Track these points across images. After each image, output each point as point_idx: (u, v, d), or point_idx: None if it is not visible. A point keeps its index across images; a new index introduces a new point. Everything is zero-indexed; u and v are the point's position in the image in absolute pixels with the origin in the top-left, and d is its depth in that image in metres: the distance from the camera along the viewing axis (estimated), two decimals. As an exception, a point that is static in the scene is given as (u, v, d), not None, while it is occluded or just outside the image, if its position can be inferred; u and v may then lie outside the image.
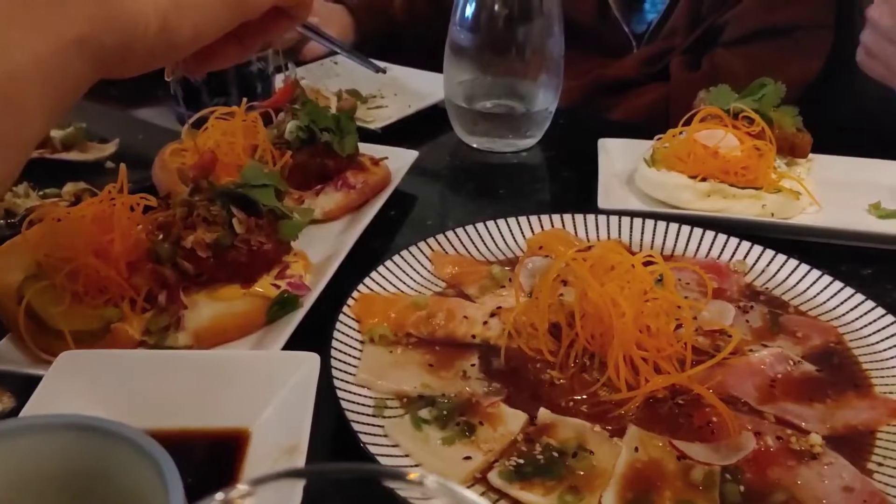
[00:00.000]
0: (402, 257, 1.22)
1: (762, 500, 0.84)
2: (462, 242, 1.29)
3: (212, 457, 0.89)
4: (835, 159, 1.64)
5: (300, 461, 0.79)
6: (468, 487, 0.85)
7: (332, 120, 1.41)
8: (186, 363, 0.95)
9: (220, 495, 0.44)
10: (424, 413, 0.93)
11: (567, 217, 1.36)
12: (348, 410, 0.91)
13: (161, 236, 1.12)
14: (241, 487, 0.45)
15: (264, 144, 1.39)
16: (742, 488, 0.85)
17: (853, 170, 1.62)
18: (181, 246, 1.10)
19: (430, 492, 0.41)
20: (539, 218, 1.35)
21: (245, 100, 1.44)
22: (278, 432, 0.87)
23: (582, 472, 0.86)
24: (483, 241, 1.30)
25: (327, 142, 1.39)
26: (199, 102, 1.70)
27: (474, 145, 1.80)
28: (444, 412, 0.93)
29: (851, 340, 1.11)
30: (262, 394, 0.91)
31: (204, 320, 1.07)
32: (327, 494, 0.49)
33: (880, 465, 0.90)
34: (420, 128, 1.86)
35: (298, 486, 0.48)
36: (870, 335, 1.10)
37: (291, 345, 1.05)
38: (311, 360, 0.92)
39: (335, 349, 1.00)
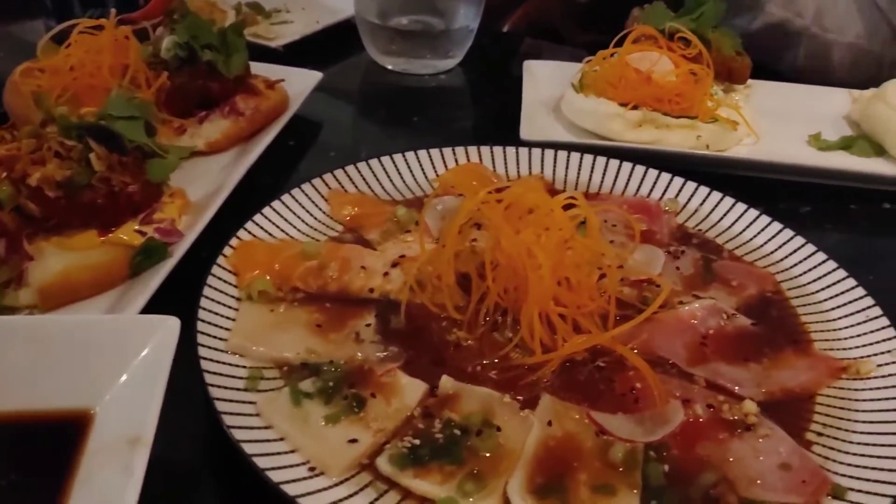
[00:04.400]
0: (294, 196, 1.06)
1: (689, 482, 0.74)
2: (365, 179, 1.14)
3: (46, 446, 0.73)
4: (775, 86, 1.53)
5: (142, 457, 0.65)
6: (352, 476, 0.72)
7: (216, 36, 1.22)
8: (20, 331, 0.79)
9: None
10: (307, 385, 0.80)
11: (485, 150, 1.22)
12: (213, 385, 0.76)
13: (3, 174, 0.95)
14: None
15: (136, 64, 1.20)
16: (666, 468, 0.75)
17: (794, 97, 1.52)
18: (26, 184, 0.93)
19: None
20: (454, 151, 1.20)
21: (114, 11, 1.24)
22: (125, 416, 0.72)
23: (487, 454, 0.75)
24: (389, 177, 1.15)
25: (210, 61, 1.21)
26: (70, 14, 1.48)
27: (389, 67, 1.63)
28: (330, 383, 0.80)
29: (790, 289, 1.01)
30: (110, 368, 0.76)
31: (52, 274, 0.91)
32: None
33: (820, 434, 0.81)
34: (329, 47, 1.68)
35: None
36: (809, 283, 1.01)
37: (158, 303, 0.89)
38: (168, 326, 0.77)
39: (204, 309, 0.85)
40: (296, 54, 1.57)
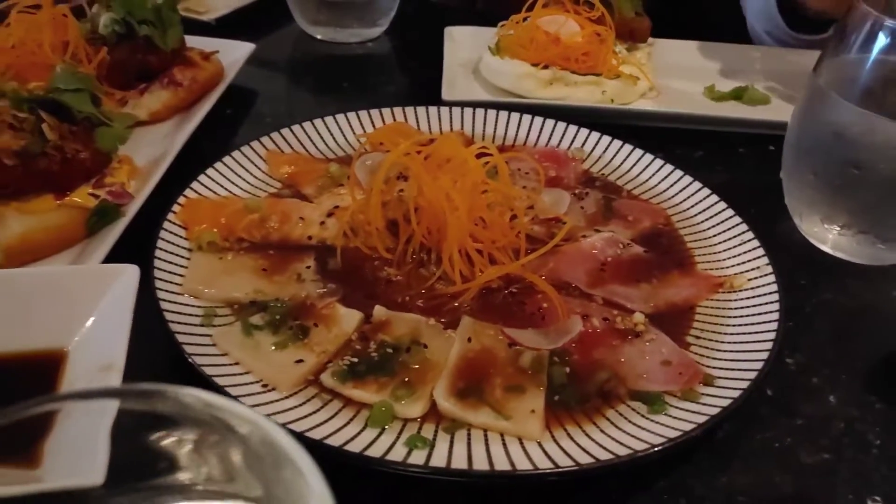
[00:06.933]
0: (234, 158, 1.16)
1: (587, 379, 0.87)
2: (299, 140, 1.24)
3: (25, 382, 0.83)
4: (673, 43, 1.67)
5: (116, 381, 0.76)
6: (300, 391, 0.84)
7: (151, 11, 1.30)
8: (-8, 284, 0.88)
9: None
10: (256, 319, 0.91)
11: (409, 110, 1.33)
12: (172, 322, 0.87)
13: (-41, 146, 1.02)
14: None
15: (76, 41, 1.27)
16: (568, 370, 0.88)
17: (691, 53, 1.66)
18: (-17, 155, 1.01)
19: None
20: (381, 112, 1.31)
21: (52, -10, 1.31)
22: (96, 351, 0.82)
23: (416, 366, 0.87)
24: (322, 137, 1.26)
25: (147, 35, 1.28)
26: (4, -5, 1.53)
27: (318, 37, 1.72)
28: (277, 317, 0.91)
29: (679, 221, 1.15)
30: (78, 311, 0.86)
31: (14, 236, 0.99)
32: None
33: (697, 337, 0.95)
34: (259, 19, 1.75)
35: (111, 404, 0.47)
36: (696, 215, 1.15)
37: (115, 258, 0.98)
38: (128, 273, 0.87)
39: (159, 259, 0.95)
40: (228, 27, 1.64)
